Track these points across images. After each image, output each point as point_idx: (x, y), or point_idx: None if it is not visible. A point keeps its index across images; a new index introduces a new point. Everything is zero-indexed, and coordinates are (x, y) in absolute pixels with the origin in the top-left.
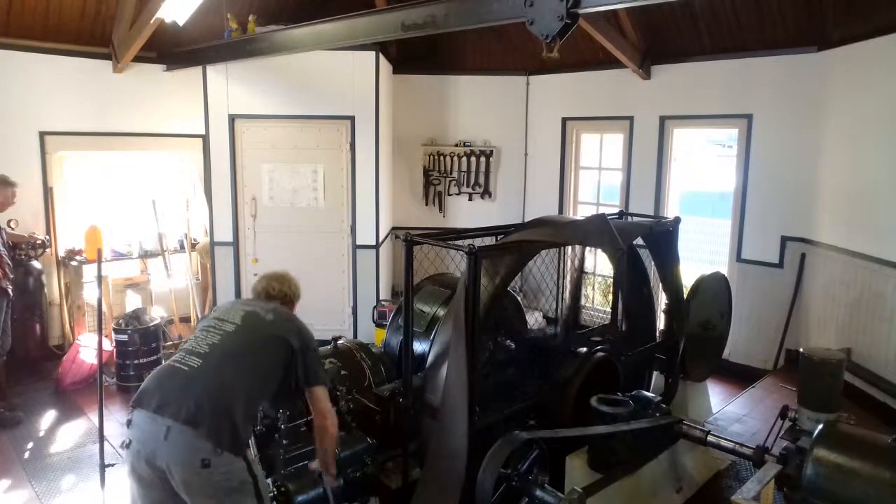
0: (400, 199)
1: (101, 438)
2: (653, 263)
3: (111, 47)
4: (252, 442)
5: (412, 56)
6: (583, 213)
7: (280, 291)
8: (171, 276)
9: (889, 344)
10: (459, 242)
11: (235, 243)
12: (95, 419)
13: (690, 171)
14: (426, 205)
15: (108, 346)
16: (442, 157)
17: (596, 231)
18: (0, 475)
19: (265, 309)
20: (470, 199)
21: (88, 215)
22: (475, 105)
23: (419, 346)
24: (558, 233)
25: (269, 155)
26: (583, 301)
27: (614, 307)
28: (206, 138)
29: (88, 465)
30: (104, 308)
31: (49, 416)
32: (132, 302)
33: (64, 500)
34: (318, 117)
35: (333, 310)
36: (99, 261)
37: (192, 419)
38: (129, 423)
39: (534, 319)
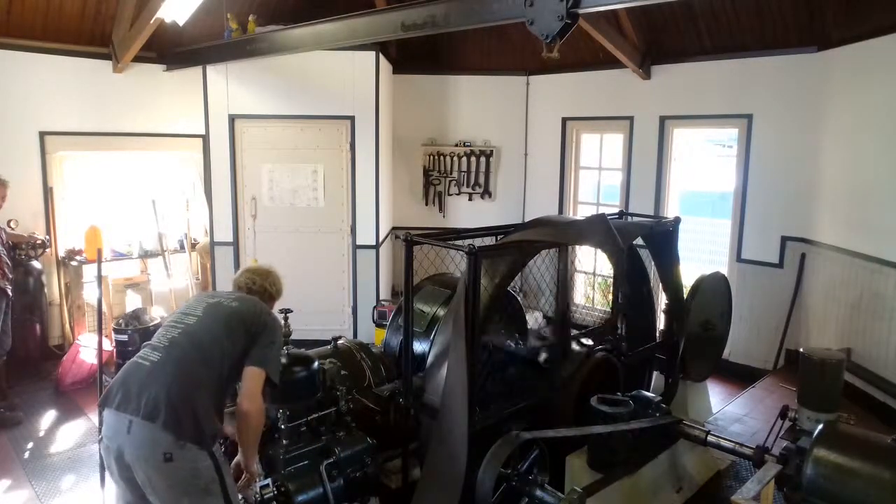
0: (400, 199)
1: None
2: (653, 263)
3: (111, 47)
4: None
5: (412, 56)
6: (583, 213)
7: (261, 287)
8: (171, 276)
9: (889, 344)
10: (459, 242)
11: (235, 243)
12: (95, 419)
13: (690, 171)
14: (426, 205)
15: (108, 346)
16: (442, 157)
17: (596, 231)
18: (0, 475)
19: (230, 298)
20: (470, 199)
21: (88, 215)
22: (475, 105)
23: (419, 346)
24: (558, 233)
25: (269, 155)
26: (583, 301)
27: (614, 307)
28: (206, 138)
29: (88, 465)
30: (104, 308)
31: (49, 416)
32: (132, 302)
33: (64, 500)
34: (318, 117)
35: (333, 310)
36: (99, 261)
37: (151, 413)
38: (100, 417)
39: (534, 319)
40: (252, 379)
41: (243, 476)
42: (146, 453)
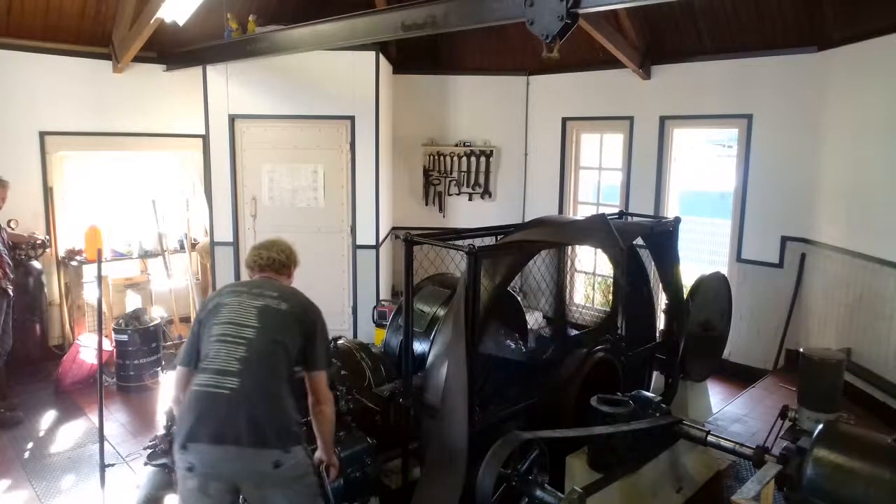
0: (400, 199)
1: (101, 438)
2: (653, 263)
3: (111, 47)
4: None
5: (412, 56)
6: (583, 213)
7: (269, 259)
8: (171, 276)
9: (889, 344)
10: (459, 242)
11: (235, 243)
12: (95, 419)
13: (690, 171)
14: (426, 205)
15: (108, 346)
16: (442, 157)
17: (596, 231)
18: (0, 475)
19: (273, 297)
20: (470, 199)
21: (88, 215)
22: (475, 105)
23: (419, 346)
24: (558, 233)
25: (269, 155)
26: (583, 301)
27: (614, 307)
28: (206, 138)
29: (88, 465)
30: (104, 308)
31: (49, 416)
32: (132, 302)
33: (64, 500)
34: (318, 117)
35: (333, 310)
36: (99, 261)
37: (259, 439)
38: (183, 447)
39: (534, 319)
40: (321, 383)
41: (330, 469)
42: (256, 470)
